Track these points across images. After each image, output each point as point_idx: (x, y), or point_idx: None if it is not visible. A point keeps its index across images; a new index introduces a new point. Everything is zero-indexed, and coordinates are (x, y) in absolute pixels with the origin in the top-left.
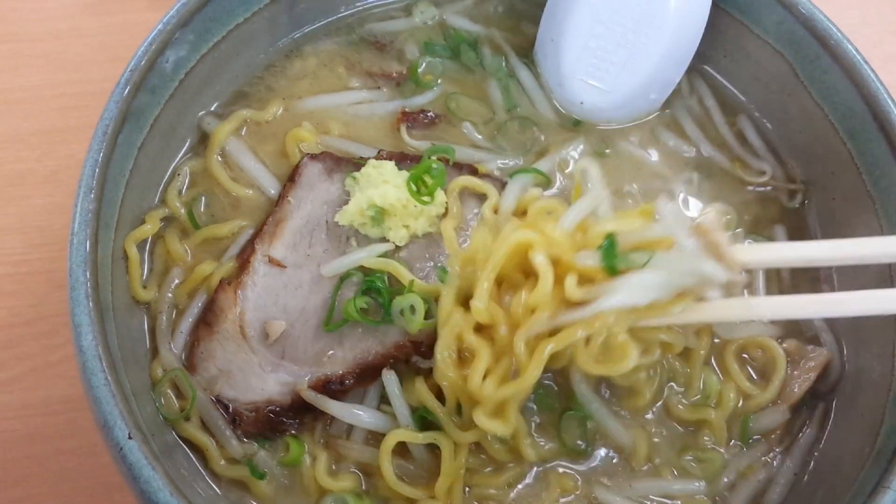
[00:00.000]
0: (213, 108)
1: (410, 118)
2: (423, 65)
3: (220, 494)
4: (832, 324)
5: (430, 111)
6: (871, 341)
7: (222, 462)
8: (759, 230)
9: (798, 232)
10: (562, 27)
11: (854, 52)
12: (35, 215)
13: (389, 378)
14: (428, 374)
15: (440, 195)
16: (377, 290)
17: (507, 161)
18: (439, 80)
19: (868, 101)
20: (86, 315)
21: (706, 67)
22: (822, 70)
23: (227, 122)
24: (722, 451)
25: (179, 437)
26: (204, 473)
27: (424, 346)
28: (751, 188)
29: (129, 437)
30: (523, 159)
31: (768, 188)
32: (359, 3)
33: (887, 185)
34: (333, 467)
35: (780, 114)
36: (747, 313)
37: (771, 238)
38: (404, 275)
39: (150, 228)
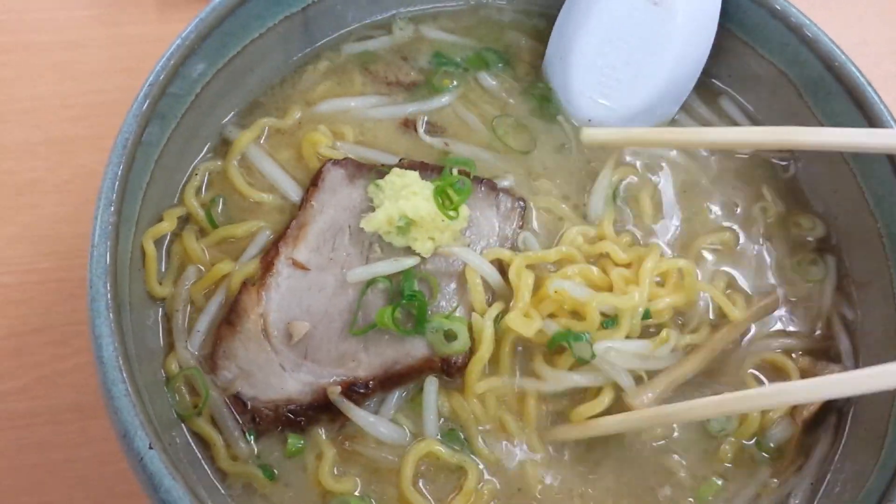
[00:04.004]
0: (231, 118)
1: (412, 126)
2: (441, 72)
3: (221, 490)
4: (854, 339)
5: (433, 122)
6: (877, 356)
7: (227, 458)
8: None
9: (796, 201)
10: (570, 46)
11: (858, 74)
12: (45, 224)
13: (432, 383)
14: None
15: (464, 210)
16: (414, 302)
17: (518, 166)
18: (454, 83)
19: (872, 123)
20: (106, 326)
21: (712, 87)
22: (826, 91)
23: (250, 131)
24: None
25: (188, 431)
26: (206, 468)
27: (454, 367)
28: (742, 155)
29: (150, 448)
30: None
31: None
32: (367, 19)
33: (891, 205)
34: (336, 470)
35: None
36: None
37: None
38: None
39: (167, 225)
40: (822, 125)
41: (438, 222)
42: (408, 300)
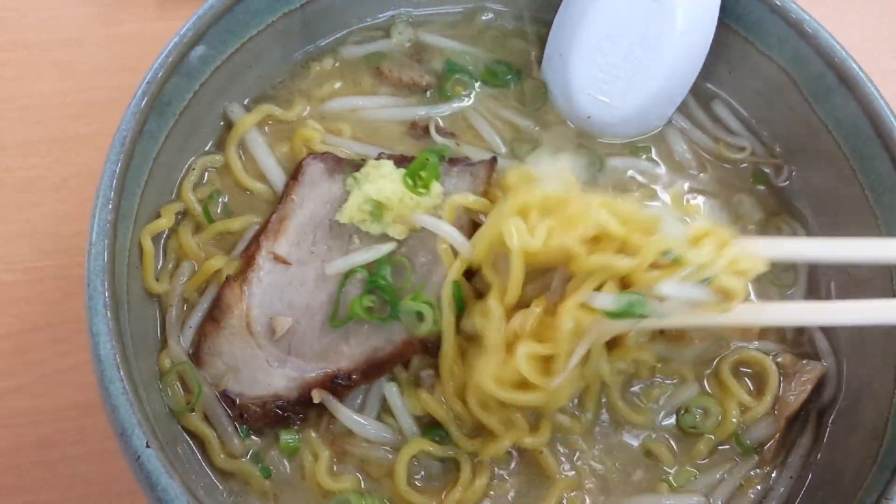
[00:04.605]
0: (240, 102)
1: (420, 129)
2: (453, 79)
3: (219, 487)
4: (832, 337)
5: (444, 127)
6: (872, 354)
7: (223, 456)
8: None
9: (783, 206)
10: (570, 43)
11: (858, 70)
12: (45, 222)
13: (391, 390)
14: (430, 387)
15: (436, 187)
16: (382, 289)
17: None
18: (467, 91)
19: (872, 119)
20: (104, 325)
21: (707, 89)
22: (826, 87)
23: (253, 114)
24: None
25: (182, 429)
26: (204, 466)
27: (433, 344)
28: (731, 166)
29: (147, 446)
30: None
31: (745, 164)
32: (368, 19)
33: (890, 201)
34: (335, 468)
35: (784, 130)
36: (757, 319)
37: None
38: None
39: (165, 222)
40: (821, 121)
41: (407, 201)
42: (374, 285)
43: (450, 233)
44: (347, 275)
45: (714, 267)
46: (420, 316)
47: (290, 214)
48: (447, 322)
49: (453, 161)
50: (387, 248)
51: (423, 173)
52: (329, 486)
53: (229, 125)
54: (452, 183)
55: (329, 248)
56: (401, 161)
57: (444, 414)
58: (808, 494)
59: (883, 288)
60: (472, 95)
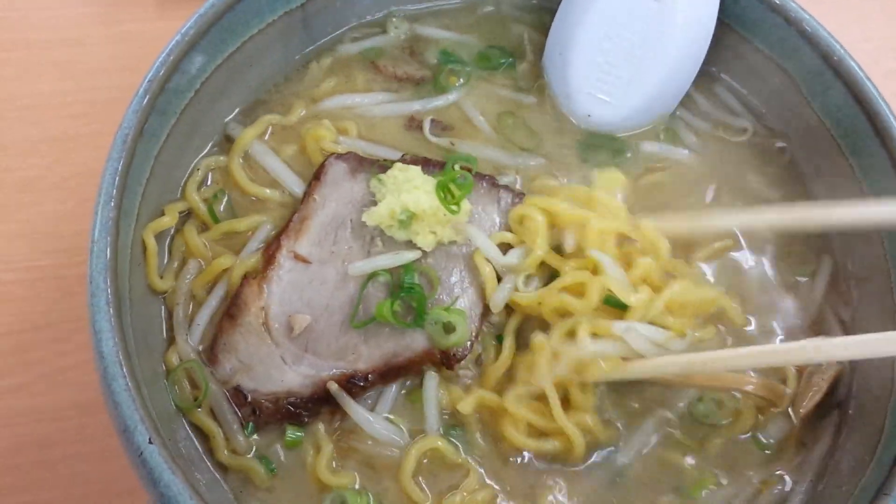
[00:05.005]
0: (234, 115)
1: (417, 123)
2: (446, 70)
3: (221, 483)
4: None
5: (439, 120)
6: None
7: (226, 452)
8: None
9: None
10: (570, 41)
11: (857, 69)
12: (45, 222)
13: (432, 378)
14: (466, 388)
15: (466, 204)
16: (411, 295)
17: (525, 160)
18: (461, 80)
19: (871, 118)
20: (106, 322)
21: (710, 82)
22: (825, 86)
23: (253, 127)
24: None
25: (188, 424)
26: (206, 462)
27: (454, 360)
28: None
29: (150, 442)
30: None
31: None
32: (368, 16)
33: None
34: (335, 464)
35: (783, 129)
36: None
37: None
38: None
39: (168, 220)
40: (820, 120)
41: (440, 216)
42: (406, 293)
43: (497, 258)
44: (370, 277)
45: (653, 309)
46: (448, 328)
47: (312, 214)
48: (510, 330)
49: (479, 176)
50: (412, 255)
51: (453, 188)
52: (328, 480)
53: (229, 139)
54: (481, 204)
55: (350, 248)
56: (425, 164)
57: (472, 415)
58: (821, 493)
59: (881, 287)
60: (465, 83)
